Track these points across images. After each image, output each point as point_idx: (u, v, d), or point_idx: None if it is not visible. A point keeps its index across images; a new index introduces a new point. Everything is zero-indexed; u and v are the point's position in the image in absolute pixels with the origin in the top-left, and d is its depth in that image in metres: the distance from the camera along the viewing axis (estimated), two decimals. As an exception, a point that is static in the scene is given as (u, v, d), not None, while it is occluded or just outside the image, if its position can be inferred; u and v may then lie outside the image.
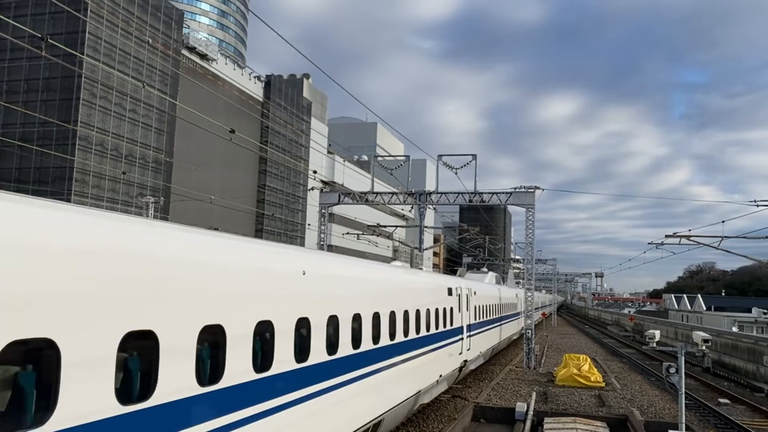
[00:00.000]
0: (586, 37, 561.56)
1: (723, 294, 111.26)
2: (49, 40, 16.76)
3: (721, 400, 22.66)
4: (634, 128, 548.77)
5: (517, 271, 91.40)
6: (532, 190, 30.96)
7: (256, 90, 74.66)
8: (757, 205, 28.71)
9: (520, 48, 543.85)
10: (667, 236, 33.05)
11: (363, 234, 49.80)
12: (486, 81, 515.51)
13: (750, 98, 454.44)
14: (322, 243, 35.60)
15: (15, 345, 4.14)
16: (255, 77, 75.85)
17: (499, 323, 31.36)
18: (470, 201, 32.21)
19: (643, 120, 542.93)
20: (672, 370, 12.78)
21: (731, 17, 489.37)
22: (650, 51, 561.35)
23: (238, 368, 6.49)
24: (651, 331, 14.75)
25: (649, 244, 37.58)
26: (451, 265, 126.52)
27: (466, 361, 21.17)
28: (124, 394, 4.94)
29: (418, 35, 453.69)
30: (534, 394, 20.01)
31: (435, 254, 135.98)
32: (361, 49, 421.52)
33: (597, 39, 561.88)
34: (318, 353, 8.74)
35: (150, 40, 52.16)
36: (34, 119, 44.84)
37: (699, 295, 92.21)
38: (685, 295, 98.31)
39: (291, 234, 78.05)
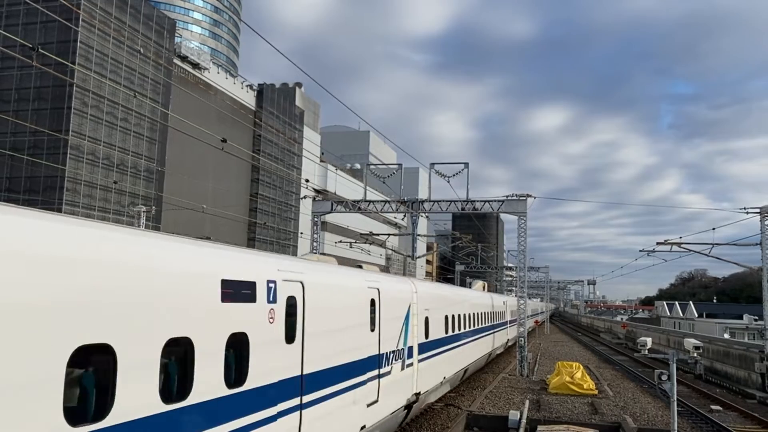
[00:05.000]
0: (574, 50, 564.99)
1: (714, 301, 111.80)
2: (41, 50, 16.73)
3: (713, 407, 22.71)
4: (624, 138, 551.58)
5: (510, 278, 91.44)
6: (524, 198, 31.06)
7: (249, 99, 74.70)
8: (747, 213, 28.95)
9: (510, 61, 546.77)
10: (658, 243, 33.28)
11: (356, 242, 49.74)
12: (477, 92, 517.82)
13: (735, 109, 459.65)
14: (314, 251, 35.59)
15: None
16: (247, 86, 75.94)
17: (464, 340, 22.99)
18: (463, 209, 32.28)
19: (632, 130, 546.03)
20: (664, 377, 12.82)
21: (714, 32, 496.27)
22: (637, 63, 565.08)
23: None
24: (643, 338, 14.84)
25: (640, 251, 37.82)
26: (444, 273, 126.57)
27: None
28: None
29: (410, 48, 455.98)
30: (527, 402, 19.99)
31: (428, 262, 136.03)
32: (353, 62, 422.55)
33: (585, 52, 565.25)
34: None
35: (142, 50, 52.12)
36: (25, 128, 44.65)
37: (691, 302, 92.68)
38: (677, 302, 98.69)
39: (283, 242, 77.93)
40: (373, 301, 11.95)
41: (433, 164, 33.52)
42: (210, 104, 55.92)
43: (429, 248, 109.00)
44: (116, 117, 52.19)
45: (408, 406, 14.61)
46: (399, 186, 34.48)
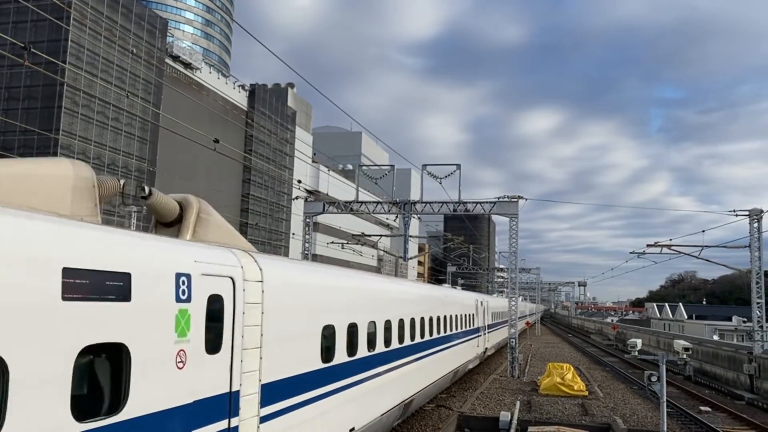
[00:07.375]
0: (565, 55, 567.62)
1: (704, 302, 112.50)
2: (32, 49, 16.64)
3: (703, 408, 22.85)
4: (613, 141, 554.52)
5: (501, 280, 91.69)
6: (516, 200, 31.12)
7: (241, 99, 74.52)
8: (737, 215, 29.20)
9: (502, 65, 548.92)
10: (648, 245, 33.49)
11: (347, 243, 49.77)
12: (469, 96, 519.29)
13: (722, 113, 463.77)
14: (306, 252, 35.51)
15: None
16: (239, 86, 75.74)
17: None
18: (454, 210, 32.31)
19: (621, 134, 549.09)
20: (654, 379, 12.90)
21: (702, 38, 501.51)
22: (627, 68, 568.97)
23: None
24: (633, 339, 14.92)
25: (631, 253, 38.00)
26: (435, 274, 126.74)
27: None
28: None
29: (403, 52, 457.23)
30: (518, 403, 20.07)
31: (420, 263, 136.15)
32: (346, 64, 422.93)
33: (576, 57, 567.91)
34: None
35: (134, 49, 51.89)
36: (14, 128, 44.34)
37: (680, 304, 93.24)
38: (666, 304, 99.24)
39: (275, 243, 77.74)
40: None
41: (425, 165, 33.55)
42: (202, 104, 55.75)
43: (421, 249, 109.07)
44: (107, 117, 51.93)
45: None
46: (391, 187, 34.51)
